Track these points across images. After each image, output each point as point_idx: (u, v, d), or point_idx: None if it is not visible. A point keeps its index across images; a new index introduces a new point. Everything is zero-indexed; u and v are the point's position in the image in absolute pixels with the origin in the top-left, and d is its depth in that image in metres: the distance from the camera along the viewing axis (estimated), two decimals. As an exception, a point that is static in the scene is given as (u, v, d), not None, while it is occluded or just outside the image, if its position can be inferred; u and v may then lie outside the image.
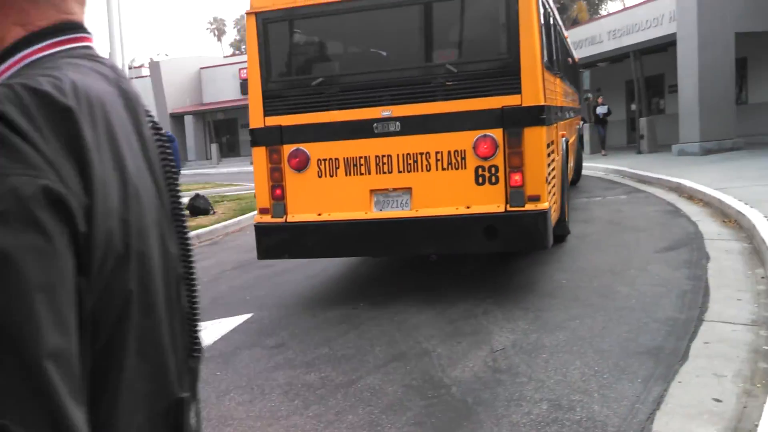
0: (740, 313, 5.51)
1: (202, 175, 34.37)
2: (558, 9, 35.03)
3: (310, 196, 6.47)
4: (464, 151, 6.09)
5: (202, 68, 42.72)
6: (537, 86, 5.99)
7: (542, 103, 6.05)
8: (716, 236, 8.51)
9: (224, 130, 43.61)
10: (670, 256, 7.64)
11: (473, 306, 6.26)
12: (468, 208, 6.13)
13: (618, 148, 24.93)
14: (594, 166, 18.65)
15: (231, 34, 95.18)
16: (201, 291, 1.90)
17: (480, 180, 6.08)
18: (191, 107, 41.53)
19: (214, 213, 14.53)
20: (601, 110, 22.59)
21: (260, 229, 6.72)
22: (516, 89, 5.96)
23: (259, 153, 6.69)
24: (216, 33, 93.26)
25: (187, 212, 11.05)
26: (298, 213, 6.51)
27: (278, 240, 6.67)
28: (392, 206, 6.36)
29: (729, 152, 18.44)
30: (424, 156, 6.19)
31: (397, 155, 6.25)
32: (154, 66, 41.39)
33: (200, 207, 14.43)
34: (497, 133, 5.99)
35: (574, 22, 33.51)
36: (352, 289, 7.47)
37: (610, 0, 39.20)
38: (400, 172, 6.27)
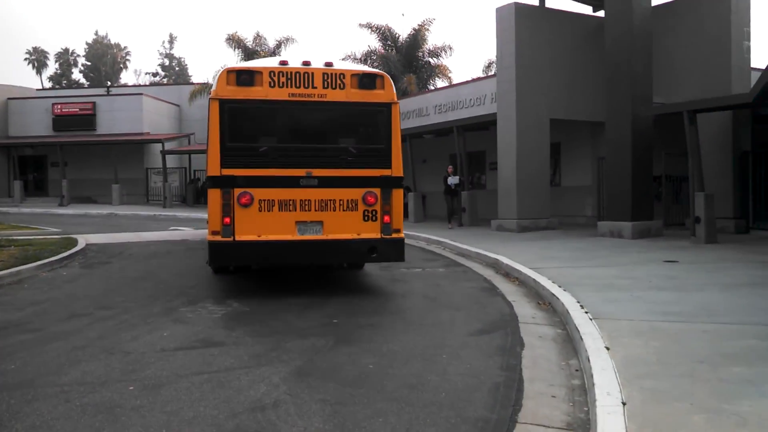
0: (554, 413, 5.01)
1: (0, 214, 30.99)
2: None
3: (252, 223, 9.37)
4: (357, 200, 9.70)
5: (9, 99, 39.00)
6: (400, 166, 9.91)
7: (401, 175, 9.95)
8: (531, 320, 8.21)
9: (32, 167, 39.89)
10: (484, 340, 7.17)
11: (264, 395, 5.34)
12: (359, 234, 9.69)
13: (440, 218, 25.23)
14: (416, 235, 18.49)
15: (52, 68, 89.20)
16: None
17: (365, 218, 9.71)
18: (-7, 139, 37.68)
19: (-11, 261, 12.57)
20: (452, 180, 21.61)
21: (213, 245, 9.41)
22: (388, 166, 9.80)
23: (215, 193, 9.36)
24: (35, 65, 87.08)
25: None
26: (243, 235, 9.34)
27: (226, 253, 9.48)
28: (310, 232, 9.59)
29: (543, 231, 19.06)
30: (331, 202, 9.62)
31: (315, 200, 9.57)
32: (-49, 91, 37.32)
33: (-28, 253, 12.44)
34: (377, 191, 9.75)
35: (404, 94, 34.22)
36: (124, 368, 6.27)
37: (438, 78, 40.32)
38: (316, 210, 9.58)
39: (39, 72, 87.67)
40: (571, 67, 19.80)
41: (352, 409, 5.04)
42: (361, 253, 9.84)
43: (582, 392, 5.48)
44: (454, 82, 33.79)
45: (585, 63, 19.90)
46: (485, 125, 21.69)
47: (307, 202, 9.53)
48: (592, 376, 5.35)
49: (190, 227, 21.69)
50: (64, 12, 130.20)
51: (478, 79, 25.88)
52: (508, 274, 11.79)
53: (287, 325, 7.90)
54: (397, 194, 9.85)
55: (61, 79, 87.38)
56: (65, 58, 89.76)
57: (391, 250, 9.81)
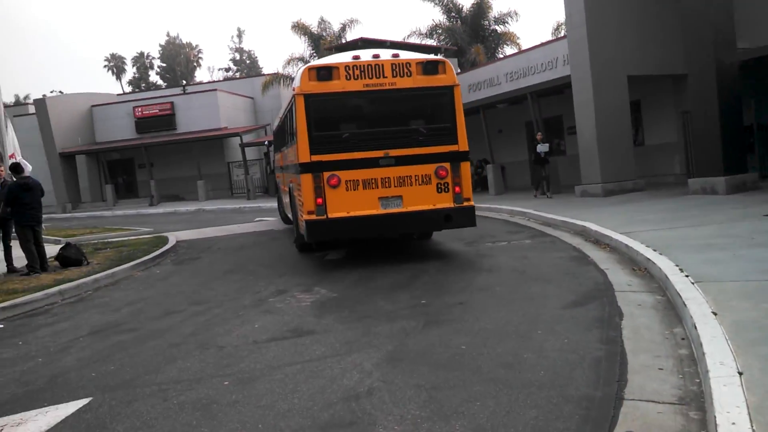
0: (664, 387, 4.74)
1: (96, 218, 32.38)
2: (456, 52, 35.25)
3: (341, 202, 10.59)
4: (430, 174, 10.80)
5: (93, 106, 40.44)
6: (465, 141, 10.99)
7: (467, 150, 11.06)
8: (627, 287, 7.87)
9: (120, 170, 41.36)
10: (579, 312, 6.89)
11: (357, 383, 5.27)
12: (434, 205, 10.80)
13: (522, 189, 24.74)
14: (498, 208, 18.16)
15: (130, 72, 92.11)
16: (40, 367, 5.09)
17: (438, 190, 10.84)
18: (84, 147, 39.20)
19: (88, 264, 13.04)
20: (541, 148, 20.25)
21: (309, 223, 10.62)
22: (455, 142, 10.91)
23: (307, 177, 10.60)
24: (114, 71, 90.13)
25: (56, 263, 9.78)
26: (334, 212, 10.58)
27: (321, 229, 10.63)
28: (392, 206, 10.74)
29: (630, 193, 18.38)
30: (408, 177, 10.73)
31: (393, 177, 10.71)
32: (40, 103, 38.85)
33: (71, 257, 12.95)
34: (447, 165, 10.84)
35: (472, 65, 33.60)
36: (218, 363, 6.33)
37: (506, 45, 39.36)
38: (395, 186, 10.72)
39: (118, 77, 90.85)
40: (645, 19, 18.88)
41: (448, 393, 4.90)
42: (437, 221, 10.99)
43: (691, 363, 5.17)
44: (523, 48, 32.90)
45: (660, 12, 18.92)
46: (559, 89, 21.05)
47: (387, 180, 10.71)
48: (701, 345, 5.02)
49: (274, 217, 21.97)
50: (136, 17, 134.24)
51: (548, 42, 25.04)
52: (598, 240, 11.38)
53: (375, 309, 7.82)
54: (465, 167, 11.02)
55: (140, 82, 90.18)
56: (141, 62, 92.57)
57: (464, 216, 10.99)
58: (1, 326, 8.72)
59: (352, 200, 10.58)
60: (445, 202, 10.82)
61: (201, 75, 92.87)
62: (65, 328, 8.34)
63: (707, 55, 15.63)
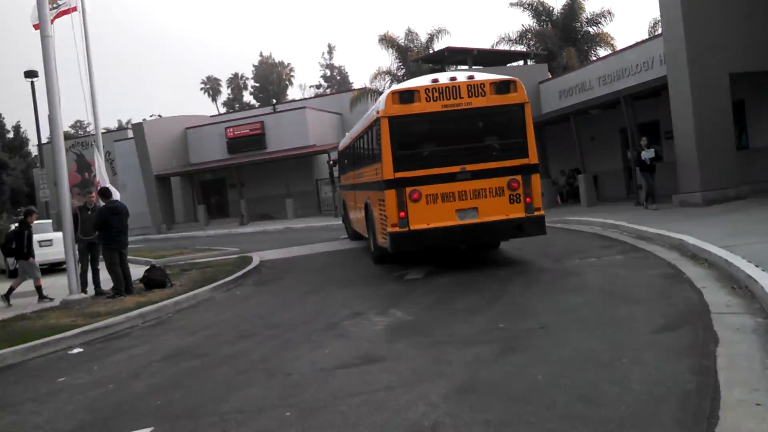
0: (761, 427, 4.19)
1: (188, 238, 33.26)
2: (546, 57, 34.31)
3: (422, 214, 11.30)
4: (503, 187, 11.42)
5: (187, 128, 41.82)
6: (535, 154, 11.67)
7: (537, 162, 11.78)
8: (725, 308, 7.19)
9: (212, 190, 42.54)
10: (670, 338, 6.32)
11: (422, 417, 4.94)
12: (507, 215, 11.41)
13: (616, 200, 23.72)
14: (590, 221, 17.40)
15: (225, 93, 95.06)
16: (110, 393, 5.39)
17: (511, 201, 11.44)
18: (178, 168, 40.56)
19: (171, 285, 13.26)
20: (646, 155, 18.65)
21: (392, 235, 11.41)
22: (526, 156, 11.53)
23: (390, 192, 11.35)
24: (210, 93, 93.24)
25: (141, 285, 9.95)
26: (415, 225, 11.30)
27: (404, 240, 11.40)
28: (468, 218, 11.39)
29: (734, 202, 17.20)
30: (483, 190, 11.38)
31: (469, 190, 11.37)
32: (138, 127, 40.53)
33: (156, 279, 13.21)
34: (519, 177, 11.46)
35: (564, 69, 32.65)
36: (282, 392, 6.12)
37: (599, 47, 38.03)
38: (471, 199, 11.36)
39: (214, 99, 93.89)
40: (748, 11, 17.68)
41: (519, 430, 4.50)
42: (510, 230, 11.75)
43: (796, 398, 4.57)
44: (617, 49, 31.70)
45: (764, 2, 17.69)
46: (656, 91, 19.97)
47: (463, 193, 11.42)
48: (807, 379, 4.43)
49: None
50: (232, 39, 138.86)
51: (643, 41, 23.98)
52: (696, 255, 10.60)
53: (450, 334, 7.47)
54: (535, 178, 11.66)
55: (234, 103, 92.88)
56: (236, 83, 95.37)
57: (534, 226, 11.63)
58: (80, 350, 8.87)
59: (432, 213, 11.35)
60: (517, 212, 11.49)
61: (293, 93, 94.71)
62: (141, 352, 8.39)
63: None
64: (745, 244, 10.08)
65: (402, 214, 11.27)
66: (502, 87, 11.65)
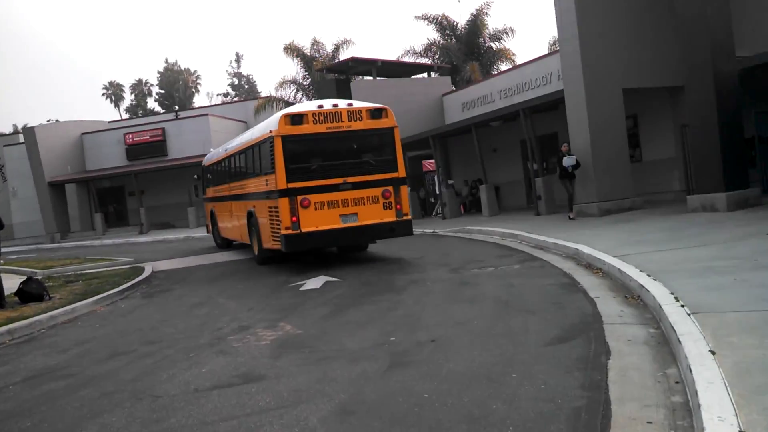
0: (652, 447, 3.96)
1: (82, 248, 31.64)
2: (450, 70, 34.63)
3: (311, 219, 13.06)
4: (378, 196, 13.53)
5: (83, 134, 39.87)
6: (403, 169, 14.00)
7: (405, 176, 14.09)
8: (617, 319, 7.08)
9: (111, 198, 40.71)
10: (562, 350, 6.11)
11: (296, 444, 4.49)
12: (381, 219, 13.54)
13: (516, 210, 23.99)
14: (490, 230, 17.41)
15: (128, 100, 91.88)
16: None
17: (385, 207, 13.56)
18: (73, 175, 38.59)
19: (50, 298, 12.29)
20: (568, 161, 17.96)
21: (286, 237, 13.00)
22: (396, 170, 13.82)
23: (284, 200, 13.01)
24: (113, 98, 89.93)
25: (15, 298, 9.02)
26: (306, 227, 13.01)
27: (296, 241, 13.04)
28: (350, 221, 13.30)
29: (628, 212, 17.60)
30: (361, 198, 13.39)
31: (350, 198, 13.34)
32: (29, 132, 38.31)
33: (32, 292, 12.20)
34: (390, 188, 13.66)
35: (468, 82, 33.01)
36: (147, 417, 5.54)
37: (501, 62, 38.76)
38: (352, 206, 13.33)
39: (117, 105, 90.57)
40: (640, 29, 18.17)
41: (398, 458, 4.12)
42: (384, 232, 13.89)
43: (686, 413, 4.39)
44: (518, 64, 32.31)
45: (656, 23, 18.21)
46: (554, 104, 20.31)
47: (345, 201, 13.41)
48: (696, 393, 4.25)
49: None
50: (135, 44, 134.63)
51: (542, 57, 24.45)
52: (590, 264, 10.61)
53: (339, 349, 7.05)
54: (404, 189, 14.08)
55: (137, 109, 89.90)
56: (140, 89, 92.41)
57: (403, 228, 13.97)
58: (-68, 373, 7.93)
59: (319, 217, 13.20)
60: (390, 216, 13.72)
61: (200, 100, 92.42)
62: (0, 373, 7.56)
63: (705, 65, 14.88)
64: (638, 253, 10.14)
65: (294, 218, 13.01)
66: (375, 113, 13.88)
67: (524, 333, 6.88)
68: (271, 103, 38.20)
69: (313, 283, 11.93)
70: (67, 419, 5.60)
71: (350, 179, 13.38)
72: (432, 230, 20.44)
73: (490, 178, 23.76)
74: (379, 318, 8.42)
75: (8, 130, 74.49)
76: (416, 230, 21.09)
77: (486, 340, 6.76)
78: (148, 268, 16.52)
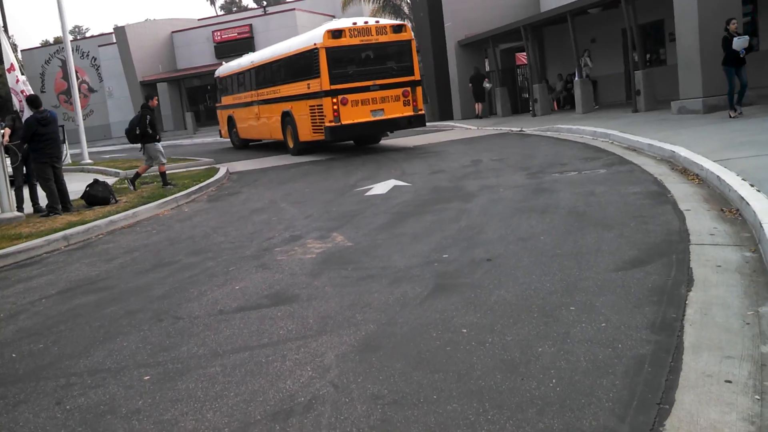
0: (727, 419, 3.09)
1: (171, 147, 31.76)
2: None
3: (348, 114, 16.38)
4: (399, 95, 17.00)
5: (173, 32, 39.84)
6: (418, 73, 17.78)
7: (419, 79, 17.94)
8: (708, 238, 6.02)
9: (201, 97, 40.94)
10: (634, 277, 5.17)
11: (301, 389, 3.89)
12: (402, 114, 17.03)
13: (613, 106, 22.21)
14: (581, 129, 16.06)
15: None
16: None
17: (404, 104, 17.08)
18: (164, 74, 38.84)
19: (116, 202, 12.17)
20: (740, 43, 13.79)
21: (329, 128, 16.41)
22: (413, 74, 17.39)
23: (327, 99, 16.27)
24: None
25: (82, 202, 8.81)
26: (344, 120, 16.38)
27: (337, 131, 16.55)
28: (378, 115, 16.74)
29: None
30: (386, 97, 16.83)
31: (378, 97, 16.71)
32: (120, 32, 38.55)
33: (98, 196, 12.11)
34: (408, 89, 17.18)
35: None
36: (159, 343, 5.08)
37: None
38: (379, 103, 16.74)
39: (212, 3, 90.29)
40: None
41: (407, 415, 3.43)
42: (404, 123, 17.34)
43: (779, 371, 3.47)
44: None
45: None
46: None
47: (374, 99, 16.79)
48: (794, 348, 3.31)
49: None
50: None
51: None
52: (686, 170, 9.38)
53: (384, 266, 6.36)
54: (419, 89, 17.55)
55: (231, 7, 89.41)
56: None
57: (418, 120, 17.49)
58: (-20, 281, 7.83)
59: (354, 112, 16.55)
60: (408, 111, 17.22)
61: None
62: (39, 284, 7.35)
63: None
64: (743, 157, 8.83)
65: (336, 113, 16.32)
66: (396, 28, 17.30)
67: (595, 253, 5.96)
68: (360, -7, 36.68)
69: (381, 188, 11.25)
70: (80, 342, 5.21)
71: (378, 82, 16.75)
72: (519, 129, 19.18)
73: (586, 71, 21.96)
74: (438, 230, 7.65)
75: (110, 30, 75.72)
76: (502, 129, 19.95)
77: (548, 261, 5.89)
78: (223, 170, 16.27)
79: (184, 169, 18.20)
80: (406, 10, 36.86)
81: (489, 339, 4.30)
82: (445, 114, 27.59)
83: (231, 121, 24.84)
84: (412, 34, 17.16)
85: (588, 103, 21.38)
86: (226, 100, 25.21)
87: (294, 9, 38.13)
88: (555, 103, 25.37)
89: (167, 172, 14.60)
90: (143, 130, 13.77)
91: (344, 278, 6.13)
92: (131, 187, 14.12)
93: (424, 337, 4.48)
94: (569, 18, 21.02)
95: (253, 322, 5.19)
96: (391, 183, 11.59)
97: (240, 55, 37.41)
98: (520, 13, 25.68)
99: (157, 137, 14.10)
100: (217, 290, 6.22)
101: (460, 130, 22.47)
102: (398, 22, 17.33)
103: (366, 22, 16.80)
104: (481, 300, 5.06)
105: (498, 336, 4.33)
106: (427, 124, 26.23)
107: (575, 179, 9.95)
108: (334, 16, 39.90)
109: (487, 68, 27.70)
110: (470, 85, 25.88)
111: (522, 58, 29.09)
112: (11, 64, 14.62)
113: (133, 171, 17.72)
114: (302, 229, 8.63)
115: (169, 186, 13.83)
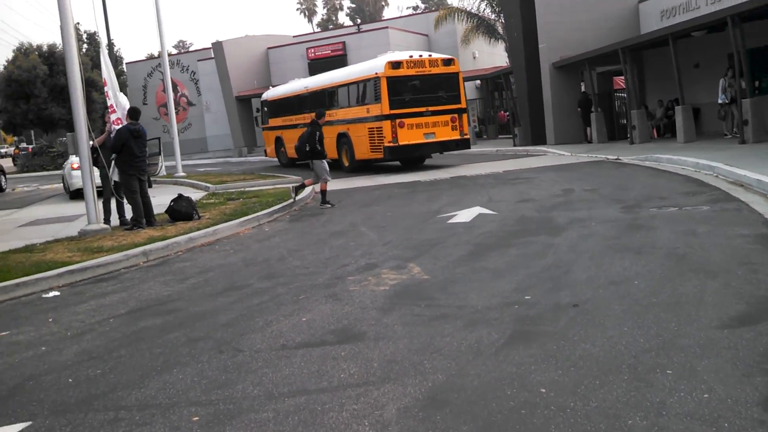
0: None
1: (263, 162, 32.43)
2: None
3: (404, 136, 19.06)
4: (447, 120, 19.96)
5: (269, 48, 40.60)
6: (464, 102, 20.98)
7: (465, 107, 21.28)
8: (830, 294, 5.31)
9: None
10: (743, 337, 4.55)
11: (357, 448, 3.50)
12: (450, 137, 19.98)
13: (717, 136, 20.96)
14: (682, 160, 15.12)
15: (321, 14, 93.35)
16: (32, 360, 4.59)
17: (452, 128, 20.04)
18: (259, 89, 39.56)
19: (198, 218, 12.18)
20: None
21: (388, 148, 18.97)
22: (459, 102, 20.43)
23: (387, 122, 18.85)
24: (306, 13, 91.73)
25: (166, 216, 8.81)
26: (402, 141, 19.04)
27: (395, 150, 19.21)
28: (429, 138, 19.58)
29: None
30: (437, 122, 19.71)
31: (430, 122, 19.54)
32: (218, 47, 39.53)
33: (181, 211, 12.13)
34: (456, 115, 20.23)
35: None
36: (215, 379, 4.80)
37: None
38: (431, 127, 19.61)
39: (310, 20, 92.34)
40: None
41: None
42: (452, 146, 20.12)
43: None
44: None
45: None
46: (772, 12, 17.02)
47: (427, 123, 19.28)
48: None
49: (452, 163, 20.32)
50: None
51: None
52: (802, 211, 8.53)
53: (460, 306, 5.93)
54: (464, 116, 20.35)
55: (327, 24, 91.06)
56: (331, 3, 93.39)
57: (463, 144, 20.31)
58: (56, 294, 7.85)
59: (410, 134, 19.00)
60: (455, 135, 19.84)
61: (389, 13, 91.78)
62: (111, 302, 7.27)
63: None
64: None
65: (394, 135, 18.73)
66: (446, 62, 20.14)
67: (696, 305, 5.34)
68: (452, 14, 36.51)
69: (465, 215, 10.82)
70: (137, 370, 5.01)
71: (430, 108, 19.29)
72: (616, 156, 18.32)
73: (688, 98, 20.81)
74: (522, 266, 7.16)
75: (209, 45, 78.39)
76: (598, 156, 19.12)
77: (643, 310, 5.31)
78: (309, 189, 16.17)
79: (274, 186, 18.26)
80: (500, 30, 36.35)
81: (571, 403, 3.80)
82: (539, 138, 26.72)
83: (279, 141, 27.26)
84: (459, 66, 20.45)
85: (690, 132, 20.24)
86: (274, 121, 27.58)
87: (387, 27, 38.17)
88: (654, 131, 24.26)
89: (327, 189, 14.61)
90: (312, 146, 13.78)
91: (416, 316, 5.73)
92: (292, 195, 14.45)
93: (497, 394, 4.03)
94: (671, 41, 20.00)
95: (314, 361, 4.86)
96: (476, 210, 11.14)
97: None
98: (618, 34, 24.68)
99: (323, 155, 13.99)
100: (283, 321, 5.93)
101: (552, 156, 21.68)
102: (448, 56, 20.41)
103: (420, 56, 19.94)
104: (564, 354, 4.56)
105: (581, 400, 3.83)
106: (519, 148, 25.80)
107: (675, 216, 9.23)
108: (427, 35, 39.89)
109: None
110: (579, 109, 24.98)
111: (620, 82, 28.06)
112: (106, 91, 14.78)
113: (218, 186, 17.88)
114: (379, 257, 8.30)
115: (326, 205, 13.63)
